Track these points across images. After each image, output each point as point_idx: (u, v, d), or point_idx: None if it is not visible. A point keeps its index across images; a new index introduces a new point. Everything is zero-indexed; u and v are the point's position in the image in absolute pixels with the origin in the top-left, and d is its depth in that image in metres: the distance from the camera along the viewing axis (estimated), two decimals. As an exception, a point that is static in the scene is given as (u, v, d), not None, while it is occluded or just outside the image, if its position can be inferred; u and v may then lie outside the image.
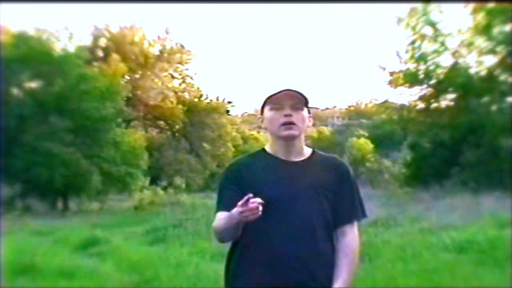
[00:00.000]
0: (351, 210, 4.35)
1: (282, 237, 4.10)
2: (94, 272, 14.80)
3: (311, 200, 4.19)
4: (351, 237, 4.31)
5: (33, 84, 45.05)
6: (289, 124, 4.20)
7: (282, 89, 4.24)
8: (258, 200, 3.76)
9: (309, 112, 4.38)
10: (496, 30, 43.64)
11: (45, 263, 15.31)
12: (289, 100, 4.23)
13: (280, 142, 4.31)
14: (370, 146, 68.18)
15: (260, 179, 4.24)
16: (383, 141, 58.56)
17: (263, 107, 4.38)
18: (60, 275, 14.07)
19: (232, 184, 4.27)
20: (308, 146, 4.49)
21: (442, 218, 21.95)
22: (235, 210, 3.83)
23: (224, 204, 4.17)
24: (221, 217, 4.14)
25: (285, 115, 4.20)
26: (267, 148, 4.42)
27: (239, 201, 3.80)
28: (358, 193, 4.44)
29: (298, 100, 4.25)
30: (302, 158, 4.34)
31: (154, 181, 51.99)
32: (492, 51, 44.71)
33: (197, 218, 28.05)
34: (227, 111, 61.64)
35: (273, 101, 4.27)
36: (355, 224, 4.36)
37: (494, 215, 21.95)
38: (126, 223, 31.07)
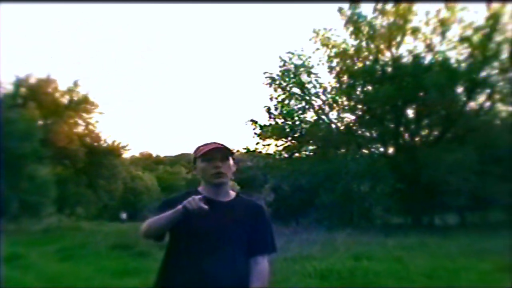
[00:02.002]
0: (264, 244, 4.51)
1: (209, 260, 4.25)
2: (20, 282, 15.35)
3: (234, 232, 4.39)
4: (263, 266, 4.42)
5: None
6: (219, 173, 4.43)
7: (211, 143, 4.49)
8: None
9: (234, 161, 4.58)
10: (357, 91, 45.07)
11: None
12: (218, 153, 4.44)
13: (211, 186, 4.50)
14: (237, 187, 67.85)
15: (192, 213, 4.19)
16: (247, 184, 58.28)
17: (195, 159, 4.56)
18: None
19: (166, 209, 4.31)
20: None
21: (302, 250, 21.36)
22: (183, 203, 4.13)
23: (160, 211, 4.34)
24: (151, 219, 4.39)
25: (216, 166, 4.42)
26: (200, 189, 4.59)
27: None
28: (271, 231, 4.60)
29: (225, 153, 4.47)
30: (228, 199, 4.53)
31: (60, 210, 53.21)
32: (351, 109, 45.79)
33: (97, 241, 28.34)
34: (120, 154, 62.67)
35: (204, 154, 4.45)
36: (266, 256, 4.49)
37: (348, 248, 22.04)
38: (38, 243, 29.92)
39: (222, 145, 4.48)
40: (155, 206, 4.90)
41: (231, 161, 4.52)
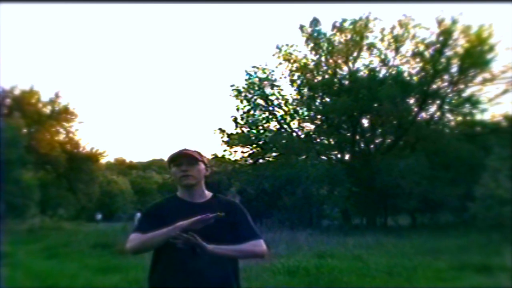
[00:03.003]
0: (250, 233, 4.37)
1: (195, 260, 4.09)
2: (9, 279, 15.31)
3: (214, 230, 4.13)
4: (254, 243, 4.31)
5: None
6: (186, 176, 4.35)
7: (181, 150, 4.46)
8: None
9: (205, 165, 4.53)
10: (317, 102, 45.34)
11: None
12: (185, 158, 4.38)
13: (183, 189, 4.44)
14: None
15: (173, 216, 4.16)
16: (213, 188, 57.68)
17: (169, 164, 4.50)
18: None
19: (150, 218, 4.34)
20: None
21: (269, 248, 19.81)
22: (181, 223, 4.06)
23: (142, 229, 4.24)
24: (141, 236, 4.23)
25: (183, 170, 4.35)
26: (178, 193, 4.50)
27: (153, 230, 4.14)
28: (251, 221, 4.48)
29: (192, 158, 4.40)
30: (204, 200, 4.44)
31: (42, 211, 52.40)
32: (311, 119, 45.87)
33: (79, 240, 28.67)
34: (97, 160, 62.85)
35: (173, 159, 4.42)
36: (259, 240, 4.36)
37: (311, 247, 22.77)
38: (24, 242, 29.73)
39: (190, 151, 4.47)
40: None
41: (200, 166, 4.45)
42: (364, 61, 44.63)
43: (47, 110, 58.58)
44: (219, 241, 4.15)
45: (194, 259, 4.12)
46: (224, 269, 4.23)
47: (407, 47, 43.58)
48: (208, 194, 4.52)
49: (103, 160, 65.92)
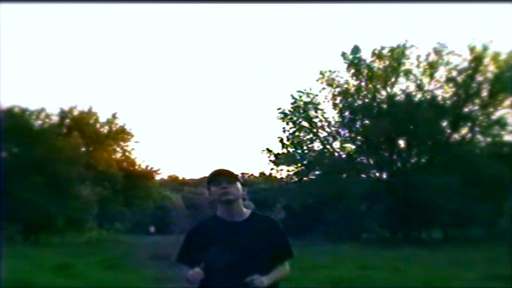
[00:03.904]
0: (285, 251, 4.51)
1: (239, 277, 4.13)
2: None
3: (253, 247, 4.32)
4: (288, 269, 4.53)
5: (17, 149, 46.03)
6: (226, 193, 4.38)
7: (218, 169, 4.52)
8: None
9: (242, 185, 4.57)
10: (358, 124, 45.83)
11: (36, 281, 15.44)
12: (224, 177, 4.44)
13: (223, 206, 4.48)
14: (252, 205, 67.79)
15: (213, 236, 4.42)
16: (261, 204, 58.45)
17: (209, 184, 4.55)
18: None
19: (189, 244, 4.54)
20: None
21: (315, 259, 21.72)
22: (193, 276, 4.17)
23: (182, 256, 4.54)
24: (181, 269, 4.47)
25: (223, 187, 4.39)
26: (218, 213, 4.56)
27: (192, 253, 4.40)
28: (287, 240, 4.56)
29: (231, 176, 4.46)
30: (242, 219, 4.48)
31: (100, 225, 52.78)
32: (352, 140, 47.29)
33: (135, 252, 28.97)
34: (152, 177, 62.73)
35: (214, 180, 4.48)
36: (286, 261, 4.54)
37: (352, 259, 22.96)
38: (83, 254, 29.99)
39: (228, 171, 4.58)
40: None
41: (238, 185, 4.53)
42: (401, 86, 45.63)
43: (105, 130, 58.28)
44: (256, 256, 4.33)
45: (236, 275, 4.20)
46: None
47: (441, 73, 44.48)
48: (247, 212, 4.59)
49: (157, 177, 65.13)
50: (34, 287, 15.00)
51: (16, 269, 17.92)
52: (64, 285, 15.87)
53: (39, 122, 49.73)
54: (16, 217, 36.63)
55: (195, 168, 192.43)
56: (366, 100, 46.27)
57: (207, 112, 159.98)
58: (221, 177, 4.46)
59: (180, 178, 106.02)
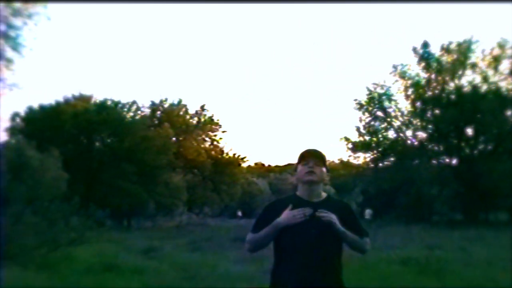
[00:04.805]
0: (361, 230, 4.45)
1: (313, 258, 4.23)
2: (156, 270, 16.00)
3: (325, 228, 4.21)
4: (368, 240, 4.53)
5: (109, 140, 48.51)
6: (311, 172, 4.35)
7: (311, 149, 4.51)
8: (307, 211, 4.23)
9: (327, 170, 4.54)
10: (428, 114, 47.11)
11: (123, 263, 16.55)
12: (314, 158, 4.41)
13: (304, 186, 4.42)
14: (333, 190, 68.86)
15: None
16: (340, 188, 59.47)
17: (298, 163, 4.50)
18: (134, 272, 15.26)
19: (266, 215, 4.44)
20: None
21: (386, 240, 22.19)
22: (279, 221, 4.27)
23: (257, 227, 4.42)
24: (254, 236, 4.45)
25: (309, 167, 4.35)
26: (297, 192, 4.49)
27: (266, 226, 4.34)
28: (360, 223, 4.54)
29: (319, 159, 4.43)
30: (319, 200, 4.39)
31: (189, 209, 55.71)
32: (423, 128, 48.72)
33: (221, 235, 30.36)
34: (239, 164, 62.87)
35: (303, 158, 4.45)
36: (368, 238, 4.53)
37: (422, 240, 23.92)
38: (171, 237, 31.57)
39: (319, 152, 4.48)
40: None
41: (324, 169, 4.43)
42: (468, 78, 46.79)
43: (194, 121, 59.33)
44: (331, 237, 4.24)
45: (310, 255, 4.20)
46: (336, 267, 4.34)
47: (505, 66, 45.37)
48: (324, 194, 4.47)
49: (244, 164, 65.12)
50: (120, 268, 15.66)
51: (103, 253, 18.87)
52: (148, 266, 16.55)
53: (131, 114, 51.53)
54: (108, 204, 35.61)
55: (280, 155, 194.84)
56: (436, 92, 47.54)
57: (291, 104, 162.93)
58: (311, 157, 4.42)
59: (266, 165, 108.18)
